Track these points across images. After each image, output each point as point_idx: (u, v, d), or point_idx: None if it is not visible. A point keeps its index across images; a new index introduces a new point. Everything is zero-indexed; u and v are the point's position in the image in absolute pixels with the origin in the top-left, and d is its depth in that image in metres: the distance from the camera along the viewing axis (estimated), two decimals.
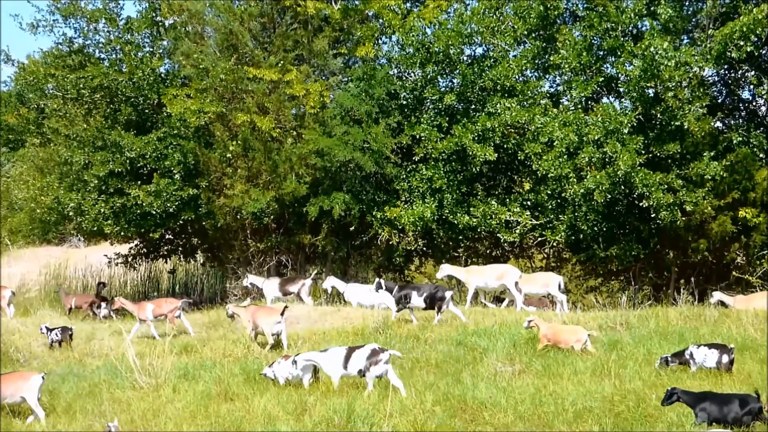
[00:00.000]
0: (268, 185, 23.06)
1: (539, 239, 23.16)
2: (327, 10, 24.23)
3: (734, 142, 21.54)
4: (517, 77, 22.99)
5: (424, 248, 24.61)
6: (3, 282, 26.87)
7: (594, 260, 22.64)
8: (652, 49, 20.30)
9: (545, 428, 11.27)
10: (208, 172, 23.52)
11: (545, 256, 25.81)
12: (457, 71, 23.27)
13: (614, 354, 13.86)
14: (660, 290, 23.00)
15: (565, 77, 22.94)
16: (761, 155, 21.81)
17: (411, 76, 24.10)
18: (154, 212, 23.34)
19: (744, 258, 21.91)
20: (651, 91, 21.57)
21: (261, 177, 23.19)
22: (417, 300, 17.71)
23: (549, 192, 22.20)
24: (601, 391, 12.12)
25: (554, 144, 21.46)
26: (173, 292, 28.31)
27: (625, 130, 20.82)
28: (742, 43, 20.35)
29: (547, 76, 24.09)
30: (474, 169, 22.60)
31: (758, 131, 22.29)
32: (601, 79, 22.50)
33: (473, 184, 23.68)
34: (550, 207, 22.37)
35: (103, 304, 21.95)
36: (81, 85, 24.03)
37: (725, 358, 12.74)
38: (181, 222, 24.46)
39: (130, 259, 27.39)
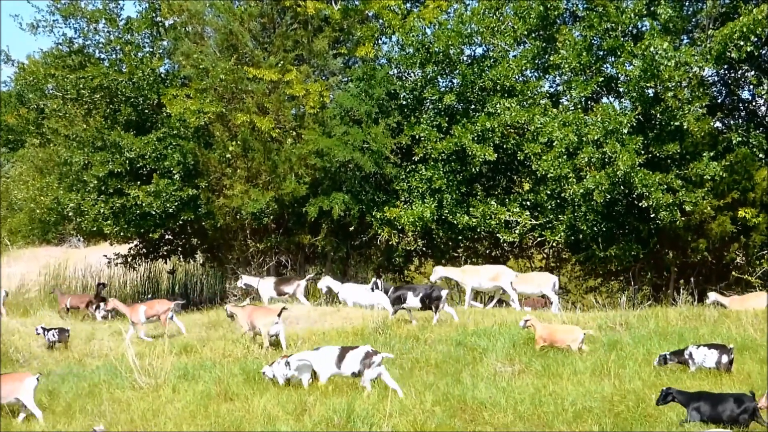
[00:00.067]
0: (268, 185, 23.07)
1: (539, 239, 23.16)
2: (327, 10, 24.24)
3: (734, 142, 21.55)
4: (516, 77, 22.99)
5: (424, 248, 24.61)
6: (3, 282, 26.90)
7: (593, 260, 22.63)
8: (651, 49, 20.30)
9: (545, 428, 11.28)
10: (207, 173, 23.52)
11: (545, 256, 25.81)
12: (457, 71, 23.28)
13: (614, 354, 13.85)
14: (659, 290, 23.01)
15: (565, 77, 22.94)
16: (761, 155, 21.81)
17: (411, 76, 24.11)
18: (154, 212, 23.34)
19: (743, 258, 21.90)
20: (651, 91, 21.57)
21: (260, 177, 23.20)
22: (413, 300, 17.71)
23: (548, 192, 22.20)
24: (600, 391, 12.12)
25: (554, 144, 21.46)
26: (173, 293, 28.34)
27: (625, 130, 20.82)
28: (741, 43, 20.35)
29: (546, 76, 24.10)
30: (473, 170, 22.61)
31: (758, 131, 22.30)
32: (600, 79, 22.49)
33: (473, 184, 23.68)
34: (549, 207, 22.37)
35: (102, 305, 21.95)
36: (81, 86, 24.04)
37: (725, 358, 12.75)
38: (180, 222, 24.47)
39: (129, 260, 27.41)
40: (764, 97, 22.34)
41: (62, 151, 23.77)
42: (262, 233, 24.64)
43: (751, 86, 22.89)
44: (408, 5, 25.31)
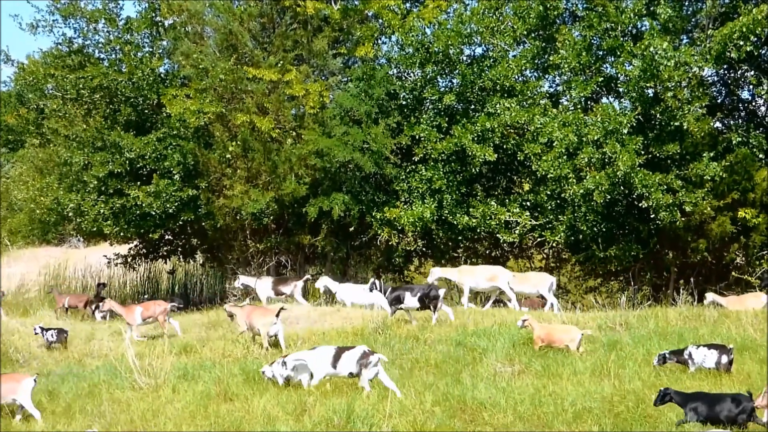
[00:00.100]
0: (268, 186, 23.07)
1: (539, 240, 23.16)
2: (326, 10, 24.23)
3: (734, 142, 21.55)
4: (516, 77, 22.99)
5: (424, 249, 24.61)
6: (3, 282, 26.91)
7: (593, 260, 22.64)
8: (651, 49, 20.30)
9: (545, 428, 11.28)
10: (207, 173, 23.52)
11: (545, 256, 25.82)
12: (457, 71, 23.28)
13: (614, 354, 13.85)
14: (659, 290, 23.02)
15: (565, 77, 22.95)
16: (761, 155, 21.83)
17: (410, 76, 24.11)
18: (154, 213, 23.34)
19: (743, 258, 21.92)
20: (650, 92, 21.58)
21: (260, 177, 23.20)
22: (411, 301, 17.71)
23: (548, 192, 22.20)
24: (600, 392, 12.12)
25: (554, 144, 21.46)
26: (173, 293, 28.34)
27: (625, 131, 20.83)
28: (741, 43, 20.35)
29: (546, 76, 24.11)
30: (473, 170, 22.60)
31: (758, 131, 22.31)
32: (600, 79, 22.50)
33: (473, 184, 23.69)
34: (549, 207, 22.38)
35: (101, 305, 21.92)
36: (80, 86, 24.03)
37: (724, 359, 12.75)
38: (180, 222, 24.47)
39: (129, 260, 27.41)
40: (764, 97, 22.34)
41: (62, 152, 23.77)
42: (262, 233, 24.64)
43: (751, 86, 22.91)
44: (407, 5, 25.30)
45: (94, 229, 24.19)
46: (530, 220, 22.51)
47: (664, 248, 22.50)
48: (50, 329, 17.98)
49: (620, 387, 12.34)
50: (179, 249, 27.75)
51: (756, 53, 21.67)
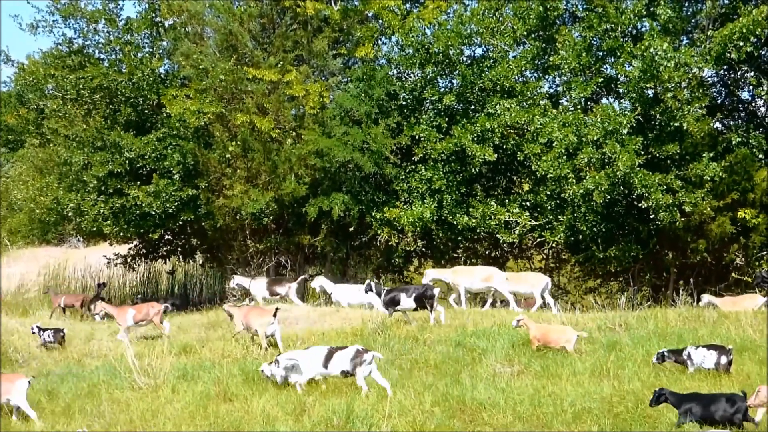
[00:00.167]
0: (268, 186, 23.07)
1: (538, 240, 23.16)
2: (326, 10, 24.23)
3: (733, 142, 21.56)
4: (516, 78, 22.99)
5: (424, 249, 24.60)
6: (3, 282, 26.92)
7: (593, 261, 22.64)
8: (651, 49, 20.30)
9: (544, 429, 11.29)
10: (207, 173, 23.52)
11: (544, 256, 25.82)
12: (457, 72, 23.28)
13: (613, 355, 13.86)
14: (659, 291, 23.03)
15: (565, 78, 22.94)
16: (760, 156, 21.84)
17: (410, 77, 24.11)
18: (154, 213, 23.33)
19: (743, 259, 21.92)
20: (650, 92, 21.58)
21: (260, 177, 23.20)
22: (406, 301, 17.74)
23: (548, 193, 22.20)
24: (600, 392, 12.13)
25: (553, 144, 21.47)
26: (172, 293, 28.35)
27: (625, 131, 20.83)
28: (741, 44, 20.36)
29: (546, 77, 24.12)
30: (473, 170, 22.61)
31: (757, 132, 22.32)
32: (600, 79, 22.51)
33: (472, 184, 23.69)
34: (549, 208, 22.38)
35: (92, 306, 21.88)
36: (80, 86, 24.03)
37: (724, 359, 12.76)
38: (180, 222, 24.46)
39: (129, 260, 27.41)
40: (764, 97, 22.36)
41: (62, 152, 23.77)
42: (261, 233, 24.64)
43: (751, 87, 22.92)
44: (407, 6, 25.30)
45: (94, 229, 24.18)
46: (530, 221, 22.51)
47: (664, 249, 22.50)
48: (47, 329, 17.98)
49: (620, 387, 12.35)
50: (179, 249, 27.75)
51: (756, 54, 21.68)
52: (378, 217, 23.14)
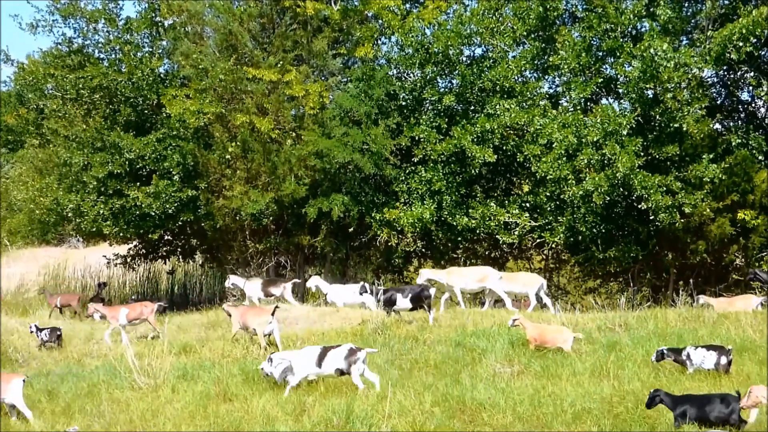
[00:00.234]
0: (267, 186, 23.06)
1: (538, 241, 23.17)
2: (326, 10, 24.23)
3: (733, 144, 21.57)
4: (516, 78, 23.01)
5: (423, 249, 24.60)
6: (3, 283, 26.92)
7: (593, 262, 22.65)
8: (651, 50, 20.31)
9: (544, 429, 11.29)
10: (207, 174, 23.51)
11: (544, 257, 25.82)
12: (457, 72, 23.29)
13: (613, 355, 13.86)
14: (659, 291, 23.02)
15: (564, 78, 22.95)
16: (760, 157, 21.85)
17: (410, 77, 24.12)
18: (153, 213, 23.32)
19: (743, 260, 21.93)
20: (650, 93, 21.59)
21: (260, 178, 23.19)
22: (403, 302, 17.78)
23: (548, 194, 22.21)
24: (599, 393, 12.13)
25: (553, 145, 21.48)
26: (172, 293, 28.36)
27: (624, 132, 20.84)
28: (741, 44, 20.36)
29: (546, 77, 24.13)
30: (473, 171, 22.61)
31: (757, 133, 22.33)
32: (600, 80, 22.52)
33: (472, 185, 23.68)
34: (548, 209, 22.38)
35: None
36: (80, 86, 24.03)
37: (723, 360, 12.76)
38: (180, 223, 24.45)
39: (129, 260, 27.40)
40: (764, 98, 22.36)
41: (62, 152, 23.77)
42: (261, 234, 24.64)
43: (751, 87, 22.92)
44: (407, 6, 25.31)
45: (94, 229, 24.18)
46: (530, 222, 22.51)
47: (664, 249, 22.51)
48: (44, 329, 17.98)
49: (619, 388, 12.35)
50: (179, 249, 27.75)
51: (756, 54, 21.70)
52: (378, 217, 23.14)
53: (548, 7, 22.79)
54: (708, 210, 20.83)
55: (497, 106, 22.31)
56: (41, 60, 26.54)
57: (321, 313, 19.33)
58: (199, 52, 23.67)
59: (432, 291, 17.82)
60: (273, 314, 15.93)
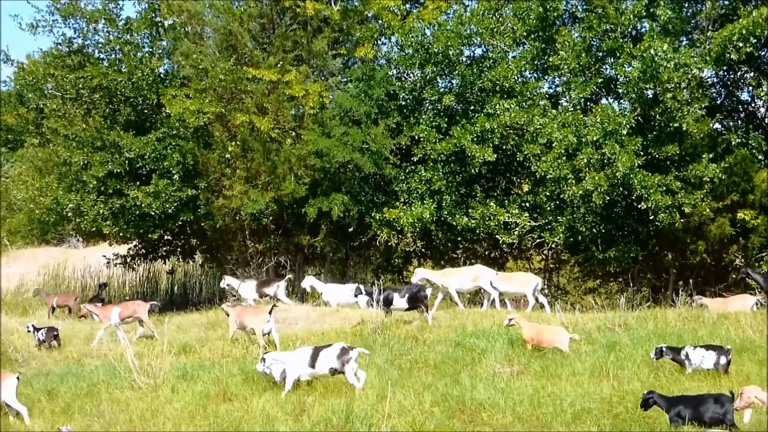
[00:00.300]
0: (267, 186, 23.06)
1: (538, 241, 23.17)
2: (326, 10, 24.24)
3: (733, 143, 21.57)
4: (516, 78, 23.01)
5: (423, 249, 24.60)
6: (3, 283, 26.92)
7: (592, 262, 22.64)
8: (651, 50, 20.30)
9: (544, 429, 11.29)
10: (207, 173, 23.52)
11: (544, 257, 25.82)
12: (456, 72, 23.29)
13: (613, 355, 13.86)
14: (658, 292, 23.02)
15: (564, 78, 22.95)
16: (760, 157, 21.84)
17: (410, 77, 24.12)
18: (153, 213, 23.32)
19: (743, 260, 21.92)
20: (650, 93, 21.58)
21: (260, 178, 23.20)
22: (399, 302, 17.79)
23: (548, 193, 22.21)
24: (599, 393, 12.13)
25: (553, 145, 21.48)
26: (172, 293, 28.36)
27: (624, 132, 20.84)
28: (741, 44, 20.35)
29: (546, 77, 24.13)
30: (473, 171, 22.61)
31: (757, 133, 22.31)
32: (600, 80, 22.52)
33: (472, 185, 23.69)
34: (548, 208, 22.39)
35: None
36: (80, 85, 24.03)
37: (722, 360, 12.76)
38: (179, 223, 24.45)
39: (128, 260, 27.40)
40: (763, 98, 22.36)
41: (61, 151, 23.76)
42: (261, 234, 24.63)
43: (751, 88, 22.91)
44: (407, 6, 25.31)
45: (94, 229, 24.18)
46: (529, 221, 22.52)
47: (663, 250, 22.50)
48: (41, 329, 17.97)
49: (619, 388, 12.35)
50: (178, 249, 27.75)
51: (755, 55, 21.69)
52: (377, 217, 23.14)
53: (548, 7, 22.80)
54: (708, 210, 20.83)
55: (497, 106, 22.31)
56: (41, 60, 26.57)
57: (320, 313, 19.32)
58: (199, 52, 23.68)
59: (429, 291, 17.84)
60: (270, 313, 15.92)
